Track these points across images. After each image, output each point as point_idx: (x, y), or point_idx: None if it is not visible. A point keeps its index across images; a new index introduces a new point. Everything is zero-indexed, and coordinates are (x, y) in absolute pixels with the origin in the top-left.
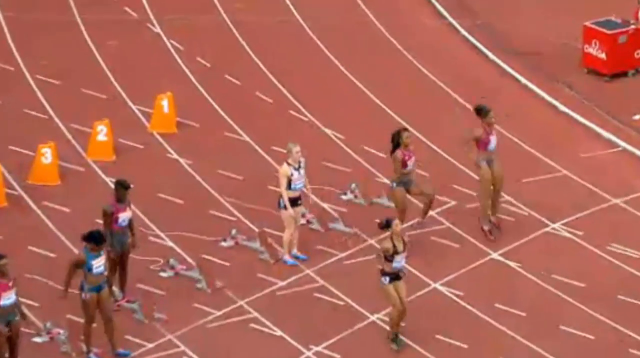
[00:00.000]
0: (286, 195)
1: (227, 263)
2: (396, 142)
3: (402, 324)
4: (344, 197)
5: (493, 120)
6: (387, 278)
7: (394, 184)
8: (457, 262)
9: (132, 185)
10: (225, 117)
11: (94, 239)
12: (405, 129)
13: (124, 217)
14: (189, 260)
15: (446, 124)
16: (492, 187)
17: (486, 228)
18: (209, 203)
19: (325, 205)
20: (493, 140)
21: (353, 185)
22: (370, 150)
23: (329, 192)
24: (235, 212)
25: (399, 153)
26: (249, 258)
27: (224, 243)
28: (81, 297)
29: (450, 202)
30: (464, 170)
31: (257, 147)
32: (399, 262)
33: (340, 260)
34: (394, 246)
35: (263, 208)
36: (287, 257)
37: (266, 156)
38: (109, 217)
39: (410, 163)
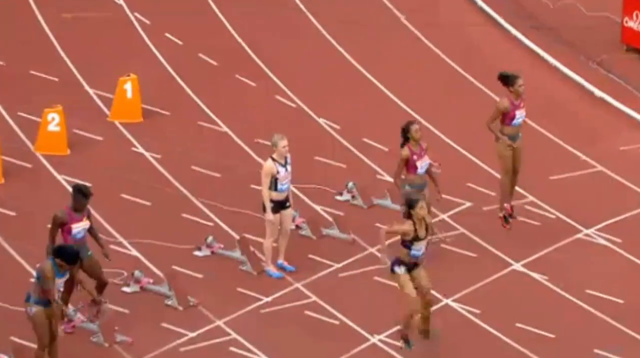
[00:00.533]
0: (268, 196)
1: (201, 276)
2: (404, 137)
3: (419, 326)
4: (339, 197)
5: (522, 89)
6: (402, 268)
7: (406, 187)
8: (473, 274)
9: (91, 191)
10: (200, 103)
11: (66, 256)
12: (414, 122)
13: (78, 228)
14: (157, 272)
15: (460, 113)
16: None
17: (501, 214)
18: (181, 205)
19: (318, 208)
20: (520, 114)
21: (350, 184)
22: (371, 143)
23: (322, 192)
24: (212, 216)
25: (405, 150)
26: (228, 270)
27: (198, 253)
28: (28, 312)
29: (465, 204)
30: (480, 166)
31: (237, 139)
32: (419, 250)
33: (335, 272)
34: (415, 230)
35: (245, 211)
36: (270, 268)
37: (248, 150)
38: (59, 226)
39: (420, 164)
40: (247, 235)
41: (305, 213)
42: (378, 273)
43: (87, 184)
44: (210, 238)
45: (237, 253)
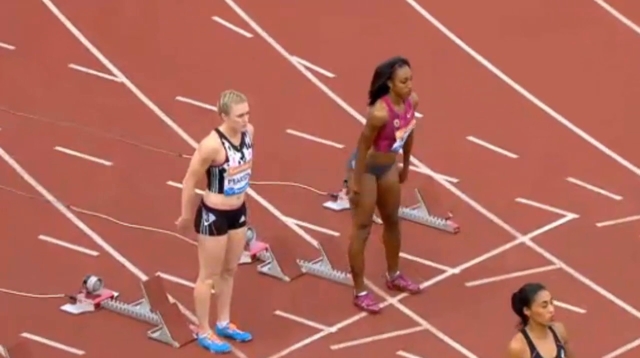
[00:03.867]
0: (190, 199)
1: (81, 353)
2: (382, 82)
3: None
4: (331, 204)
5: None
6: None
7: (351, 164)
8: None
9: None
10: (75, 32)
11: None
12: (404, 61)
13: None
14: None
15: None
16: None
17: None
18: (42, 221)
19: (292, 222)
20: None
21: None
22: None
23: (301, 194)
24: (97, 240)
25: (381, 109)
26: (127, 337)
27: (70, 309)
28: None
29: (566, 216)
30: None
31: (143, 98)
32: None
33: (327, 340)
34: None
35: (153, 228)
36: (207, 336)
37: (162, 115)
38: None
39: (401, 135)
40: (161, 274)
41: (270, 232)
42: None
43: None
44: (92, 281)
45: (143, 308)
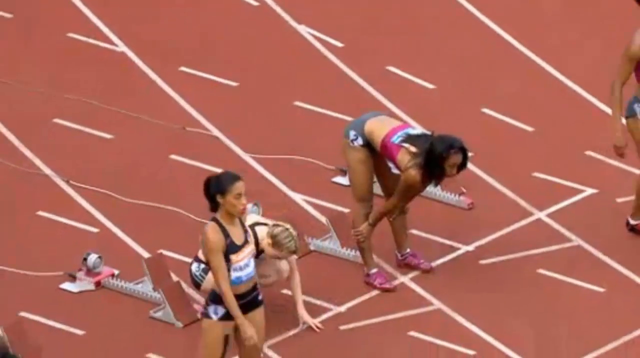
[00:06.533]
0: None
1: (80, 333)
2: (436, 164)
3: None
4: (341, 180)
5: None
6: None
7: (348, 133)
8: None
9: None
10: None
11: None
12: (460, 149)
13: None
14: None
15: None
16: None
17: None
18: (41, 196)
19: (300, 198)
20: None
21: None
22: (402, 74)
23: (311, 168)
24: (98, 216)
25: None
26: (128, 317)
27: (70, 288)
28: None
29: (585, 191)
30: None
31: (149, 72)
32: None
33: (336, 320)
34: None
35: (155, 204)
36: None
37: (170, 92)
38: None
39: None
40: (164, 252)
41: (277, 207)
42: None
43: None
44: (93, 259)
45: (146, 286)
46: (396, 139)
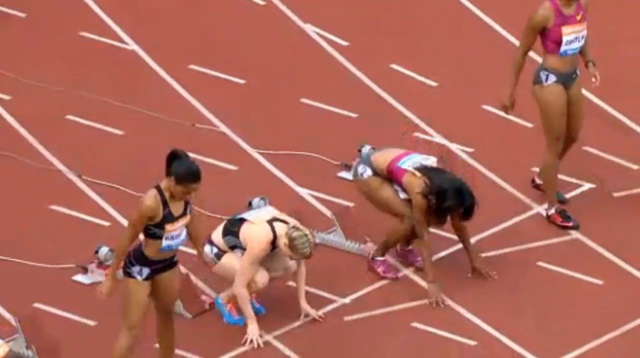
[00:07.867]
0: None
1: (92, 323)
2: (441, 210)
3: None
4: (346, 175)
5: None
6: None
7: (357, 171)
8: None
9: None
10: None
11: None
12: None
13: None
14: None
15: None
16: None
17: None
18: (53, 191)
19: (306, 193)
20: (575, 32)
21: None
22: (408, 74)
23: (317, 163)
24: (109, 210)
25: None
26: None
27: (82, 280)
28: None
29: (583, 185)
30: None
31: (158, 70)
32: None
33: (341, 311)
34: None
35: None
36: (225, 303)
37: (179, 89)
38: None
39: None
40: None
41: (283, 202)
42: None
43: None
44: (105, 252)
45: None
46: (401, 163)
